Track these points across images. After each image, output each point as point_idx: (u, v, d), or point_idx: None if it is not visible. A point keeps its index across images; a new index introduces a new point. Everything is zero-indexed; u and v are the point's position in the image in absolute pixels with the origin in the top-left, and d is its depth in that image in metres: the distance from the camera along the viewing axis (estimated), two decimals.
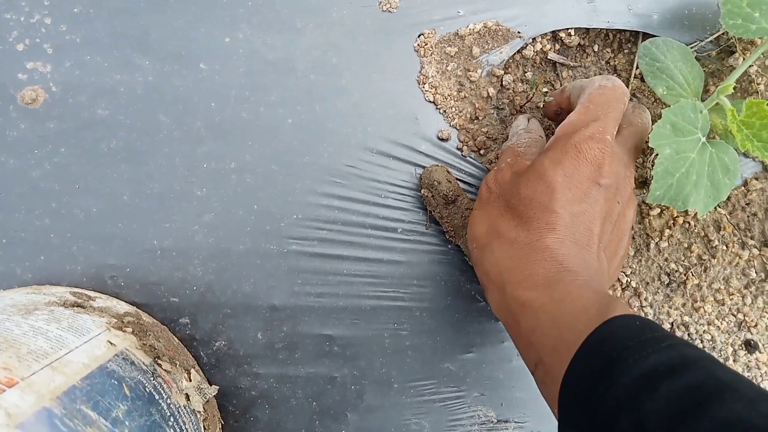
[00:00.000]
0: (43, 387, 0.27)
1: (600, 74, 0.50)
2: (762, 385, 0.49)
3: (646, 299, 0.48)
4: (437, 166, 0.46)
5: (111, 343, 0.35)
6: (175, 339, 0.43)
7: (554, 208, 0.37)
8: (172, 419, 0.35)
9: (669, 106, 0.48)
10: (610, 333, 0.30)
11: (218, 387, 0.42)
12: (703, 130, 0.42)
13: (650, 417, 0.25)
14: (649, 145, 0.40)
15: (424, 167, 0.47)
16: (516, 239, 0.38)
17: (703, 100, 0.46)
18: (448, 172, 0.46)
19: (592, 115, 0.40)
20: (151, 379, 0.36)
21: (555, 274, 0.35)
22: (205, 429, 0.40)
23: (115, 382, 0.32)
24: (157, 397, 0.35)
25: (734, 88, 0.44)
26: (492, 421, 0.48)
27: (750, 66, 0.49)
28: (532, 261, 0.37)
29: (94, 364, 0.32)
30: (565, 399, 0.31)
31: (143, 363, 0.36)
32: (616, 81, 0.42)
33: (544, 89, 0.49)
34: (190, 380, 0.40)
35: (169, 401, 0.36)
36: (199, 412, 0.39)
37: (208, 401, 0.41)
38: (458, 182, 0.47)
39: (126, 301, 0.43)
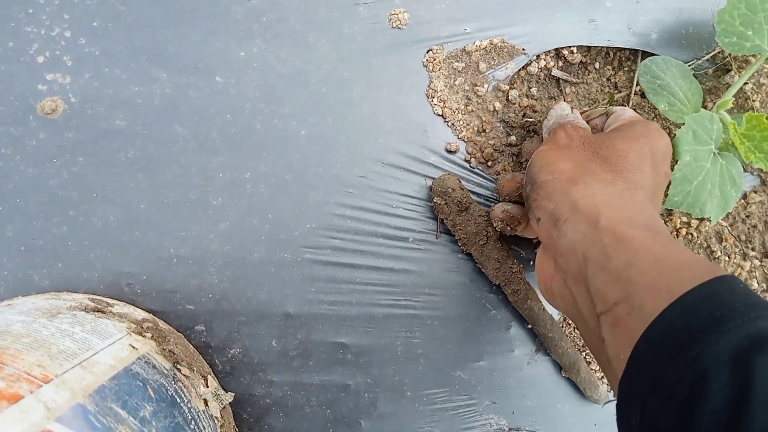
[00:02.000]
0: (75, 384, 0.28)
1: (601, 90, 0.52)
2: None
3: None
4: (449, 174, 0.48)
5: (133, 347, 0.36)
6: (191, 346, 0.44)
7: (644, 170, 0.40)
8: (193, 423, 0.35)
9: (670, 121, 0.50)
10: (717, 290, 0.30)
11: (234, 393, 0.42)
12: (716, 141, 0.44)
13: (760, 375, 0.25)
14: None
15: (433, 178, 0.48)
16: (614, 182, 0.39)
17: None
18: (459, 180, 0.47)
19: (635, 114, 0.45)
20: (172, 383, 0.36)
21: (653, 224, 0.36)
22: None
23: (140, 384, 0.33)
24: (178, 400, 0.35)
25: (731, 104, 0.46)
26: (504, 429, 0.48)
27: (745, 83, 0.51)
28: (632, 205, 0.37)
29: (120, 366, 0.32)
30: (648, 341, 0.30)
31: (164, 367, 0.37)
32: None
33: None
34: (208, 386, 0.41)
35: (189, 405, 0.36)
36: (217, 417, 0.40)
37: (224, 408, 0.41)
38: (469, 192, 0.48)
39: (142, 308, 0.44)
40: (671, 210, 0.51)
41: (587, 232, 0.37)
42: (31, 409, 0.24)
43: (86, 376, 0.29)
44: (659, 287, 0.31)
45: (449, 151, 0.49)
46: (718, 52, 0.52)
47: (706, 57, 0.52)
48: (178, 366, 0.39)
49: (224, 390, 0.44)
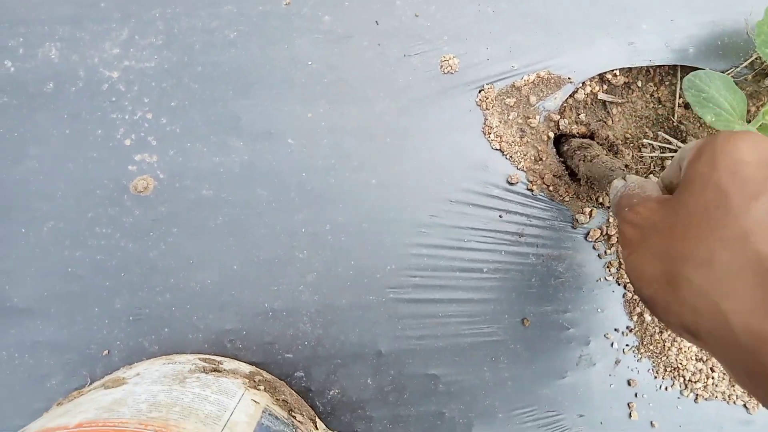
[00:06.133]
0: None
1: (646, 106, 0.55)
2: None
3: None
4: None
5: (255, 401, 0.39)
6: (294, 392, 0.47)
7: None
8: None
9: (718, 131, 0.52)
10: None
11: None
12: None
13: None
14: None
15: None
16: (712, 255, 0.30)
17: (748, 122, 0.50)
18: None
19: None
20: (293, 430, 0.39)
21: None
22: None
23: None
24: None
25: None
26: None
27: None
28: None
29: (253, 422, 0.36)
30: None
31: (283, 416, 0.40)
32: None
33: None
34: (317, 428, 0.44)
35: None
36: None
37: None
38: None
39: (245, 362, 0.47)
40: None
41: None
42: None
43: None
44: None
45: (511, 183, 0.51)
46: (756, 58, 0.54)
47: (744, 64, 0.54)
48: (293, 413, 0.42)
49: (329, 429, 0.47)
